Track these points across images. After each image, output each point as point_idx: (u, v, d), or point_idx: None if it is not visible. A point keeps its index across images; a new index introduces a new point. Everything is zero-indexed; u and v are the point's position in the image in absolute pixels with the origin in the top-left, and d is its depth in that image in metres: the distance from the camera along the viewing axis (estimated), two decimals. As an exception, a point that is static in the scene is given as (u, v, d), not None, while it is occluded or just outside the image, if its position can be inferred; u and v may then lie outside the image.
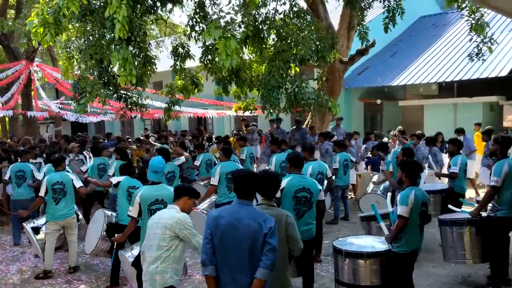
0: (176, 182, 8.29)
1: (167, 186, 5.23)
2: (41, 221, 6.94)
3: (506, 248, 5.55)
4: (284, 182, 5.03)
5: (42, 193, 6.62)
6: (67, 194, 6.66)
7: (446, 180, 8.04)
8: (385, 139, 13.10)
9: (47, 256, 6.61)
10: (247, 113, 13.41)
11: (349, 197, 10.74)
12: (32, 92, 17.98)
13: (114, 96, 10.60)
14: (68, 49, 9.82)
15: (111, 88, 10.02)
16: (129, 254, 5.39)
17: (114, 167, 8.37)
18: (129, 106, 11.02)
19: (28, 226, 6.91)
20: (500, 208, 5.44)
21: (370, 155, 11.01)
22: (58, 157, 7.00)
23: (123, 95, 10.74)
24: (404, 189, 4.54)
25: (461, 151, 7.39)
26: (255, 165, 11.55)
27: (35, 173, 8.39)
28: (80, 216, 7.31)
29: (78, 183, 6.82)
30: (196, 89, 11.73)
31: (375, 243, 4.97)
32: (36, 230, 6.81)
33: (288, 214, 3.89)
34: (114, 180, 6.38)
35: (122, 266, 5.80)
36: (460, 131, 11.29)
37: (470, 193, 10.80)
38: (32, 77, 17.33)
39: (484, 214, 5.70)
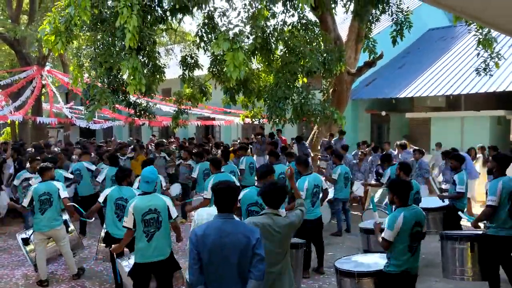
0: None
1: (160, 195, 5.18)
2: (31, 231, 6.86)
3: (498, 266, 5.47)
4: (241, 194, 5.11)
5: (25, 203, 6.54)
6: (53, 204, 6.54)
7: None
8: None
9: (40, 266, 6.57)
10: (254, 121, 13.50)
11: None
12: (43, 97, 18.24)
13: (123, 103, 10.74)
14: (79, 57, 9.98)
15: (120, 96, 10.15)
16: (125, 264, 5.39)
17: (105, 174, 8.49)
18: (138, 113, 11.15)
19: (19, 237, 6.92)
20: (490, 226, 5.39)
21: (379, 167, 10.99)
22: (43, 166, 6.80)
23: (132, 102, 10.87)
24: (394, 211, 4.40)
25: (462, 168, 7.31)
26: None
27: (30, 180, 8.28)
28: (71, 227, 7.22)
29: (63, 193, 6.64)
30: (204, 98, 11.84)
31: (380, 261, 4.89)
32: (26, 241, 6.79)
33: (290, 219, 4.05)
34: (102, 197, 6.09)
35: (120, 274, 5.79)
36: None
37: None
38: (45, 82, 17.59)
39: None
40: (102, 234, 6.38)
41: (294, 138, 13.20)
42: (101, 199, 6.10)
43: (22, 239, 6.84)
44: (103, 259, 6.81)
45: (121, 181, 6.17)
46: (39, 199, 6.50)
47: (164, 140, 16.09)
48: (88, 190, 9.19)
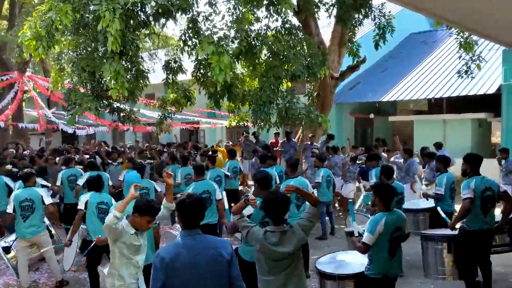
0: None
1: None
2: (11, 238, 6.74)
3: (472, 264, 5.55)
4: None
5: (10, 210, 6.45)
6: (35, 211, 6.45)
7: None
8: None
9: (22, 274, 6.45)
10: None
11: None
12: (24, 103, 17.95)
13: (107, 110, 10.60)
14: (60, 61, 9.85)
15: (104, 102, 10.03)
16: (107, 269, 5.32)
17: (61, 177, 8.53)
18: (122, 119, 11.04)
19: None
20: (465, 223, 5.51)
21: (364, 166, 11.00)
22: (26, 172, 6.73)
23: (116, 108, 10.75)
24: (376, 214, 4.42)
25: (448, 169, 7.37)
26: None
27: (11, 185, 8.11)
28: (54, 232, 7.09)
29: (48, 200, 6.59)
30: (188, 102, 11.77)
31: (363, 259, 4.94)
32: (7, 250, 6.63)
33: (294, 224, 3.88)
34: (82, 203, 6.01)
35: (102, 281, 5.70)
36: (439, 146, 11.27)
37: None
38: (27, 87, 17.32)
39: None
40: (78, 243, 6.19)
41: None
42: (81, 206, 5.98)
43: (3, 247, 6.70)
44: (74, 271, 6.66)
45: (99, 188, 6.11)
46: (20, 206, 6.40)
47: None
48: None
